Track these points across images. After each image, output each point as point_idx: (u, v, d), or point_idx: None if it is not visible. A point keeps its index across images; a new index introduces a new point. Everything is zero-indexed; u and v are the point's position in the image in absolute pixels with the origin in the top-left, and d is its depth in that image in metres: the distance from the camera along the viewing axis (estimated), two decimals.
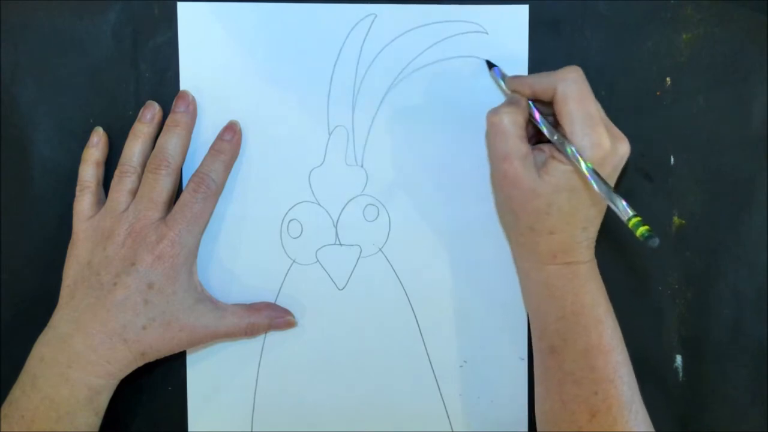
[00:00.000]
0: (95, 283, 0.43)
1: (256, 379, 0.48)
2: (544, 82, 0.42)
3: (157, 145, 0.45)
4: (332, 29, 0.47)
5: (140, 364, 0.44)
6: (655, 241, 0.37)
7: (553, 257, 0.42)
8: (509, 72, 0.46)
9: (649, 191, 0.48)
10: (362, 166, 0.48)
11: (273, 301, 0.48)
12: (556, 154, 0.41)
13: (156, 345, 0.44)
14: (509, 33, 0.47)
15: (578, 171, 0.40)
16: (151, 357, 0.44)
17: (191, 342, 0.45)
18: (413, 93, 0.47)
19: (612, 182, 0.42)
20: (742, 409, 0.49)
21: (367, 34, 0.47)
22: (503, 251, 0.48)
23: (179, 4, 0.46)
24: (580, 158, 0.40)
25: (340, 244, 0.48)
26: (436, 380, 0.49)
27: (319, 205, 0.48)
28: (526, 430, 0.49)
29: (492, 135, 0.42)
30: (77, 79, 0.47)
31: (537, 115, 0.43)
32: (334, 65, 0.47)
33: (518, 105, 0.43)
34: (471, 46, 0.47)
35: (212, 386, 0.48)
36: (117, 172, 0.45)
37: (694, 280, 0.49)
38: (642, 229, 0.38)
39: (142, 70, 0.47)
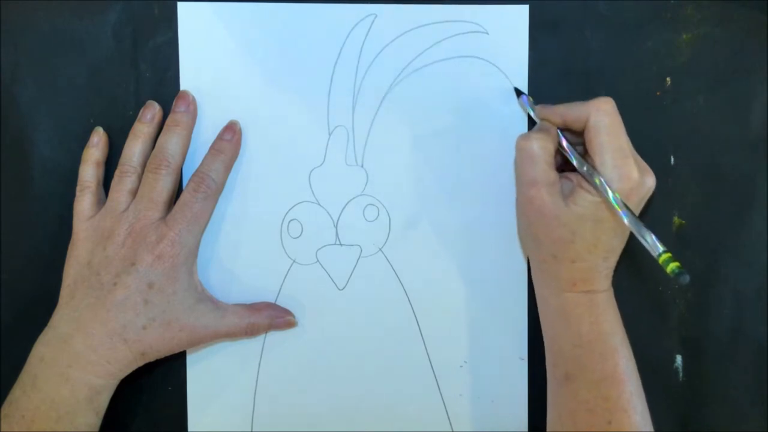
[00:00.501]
0: (95, 283, 0.43)
1: (256, 379, 0.48)
2: (575, 112, 0.42)
3: (157, 145, 0.45)
4: (332, 29, 0.47)
5: (140, 364, 0.44)
6: (686, 278, 0.37)
7: (573, 285, 0.42)
8: (509, 73, 0.46)
9: None
10: (362, 166, 0.48)
11: (273, 301, 0.48)
12: (584, 183, 0.41)
13: (156, 345, 0.44)
14: (509, 33, 0.47)
15: (605, 201, 0.40)
16: (151, 357, 0.44)
17: (191, 342, 0.45)
18: (413, 93, 0.47)
19: (637, 215, 0.42)
20: (742, 409, 0.49)
21: (367, 34, 0.47)
22: (503, 251, 0.48)
23: (179, 4, 0.46)
24: (608, 189, 0.40)
25: (340, 244, 0.48)
26: (436, 380, 0.49)
27: (319, 205, 0.48)
28: (526, 430, 0.49)
29: (521, 160, 0.42)
30: (77, 79, 0.47)
31: (566, 144, 0.43)
32: (334, 65, 0.47)
33: (548, 132, 0.43)
34: (471, 46, 0.47)
35: (212, 386, 0.48)
36: (117, 172, 0.45)
37: (694, 280, 0.49)
38: (672, 266, 0.37)
39: (142, 70, 0.47)
